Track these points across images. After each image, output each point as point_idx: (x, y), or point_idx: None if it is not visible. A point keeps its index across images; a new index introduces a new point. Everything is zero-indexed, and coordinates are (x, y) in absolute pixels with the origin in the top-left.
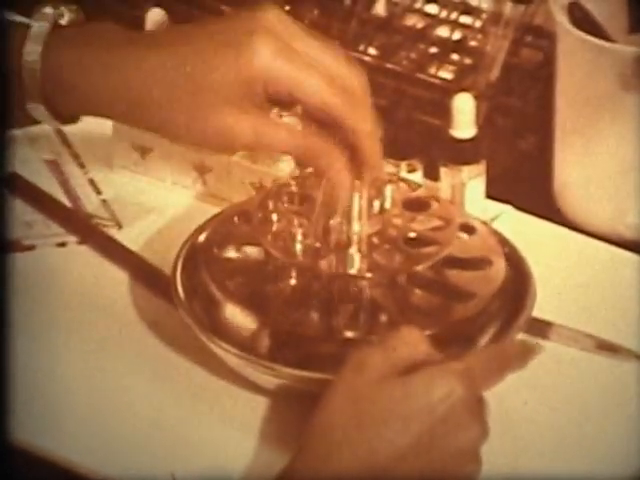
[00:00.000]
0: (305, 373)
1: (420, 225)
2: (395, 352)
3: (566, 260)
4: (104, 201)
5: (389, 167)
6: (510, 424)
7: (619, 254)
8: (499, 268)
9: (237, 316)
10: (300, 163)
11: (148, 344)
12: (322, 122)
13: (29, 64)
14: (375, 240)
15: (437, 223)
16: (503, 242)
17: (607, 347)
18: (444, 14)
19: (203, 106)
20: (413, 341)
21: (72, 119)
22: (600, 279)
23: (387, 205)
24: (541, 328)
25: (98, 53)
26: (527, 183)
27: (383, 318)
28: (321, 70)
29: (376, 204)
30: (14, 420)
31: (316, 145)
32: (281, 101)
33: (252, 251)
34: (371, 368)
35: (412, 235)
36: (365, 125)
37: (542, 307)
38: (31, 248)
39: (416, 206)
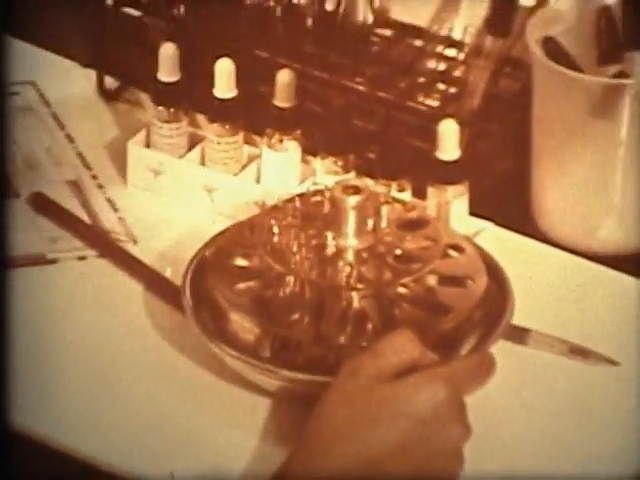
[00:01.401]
0: (303, 376)
1: (410, 244)
2: (384, 357)
3: (542, 272)
4: (120, 218)
5: (381, 187)
6: (493, 425)
7: (590, 267)
8: (481, 283)
9: (241, 323)
10: None
11: (159, 348)
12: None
13: None
14: (365, 255)
15: (425, 243)
16: (487, 258)
17: (580, 352)
18: (431, 47)
19: None
20: (401, 346)
21: None
22: (573, 290)
23: (383, 224)
24: (520, 335)
25: None
26: (507, 201)
27: (370, 327)
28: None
29: (370, 222)
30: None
31: None
32: None
33: (255, 263)
34: (363, 373)
35: (399, 252)
36: None
37: (520, 315)
38: (55, 261)
39: (408, 226)
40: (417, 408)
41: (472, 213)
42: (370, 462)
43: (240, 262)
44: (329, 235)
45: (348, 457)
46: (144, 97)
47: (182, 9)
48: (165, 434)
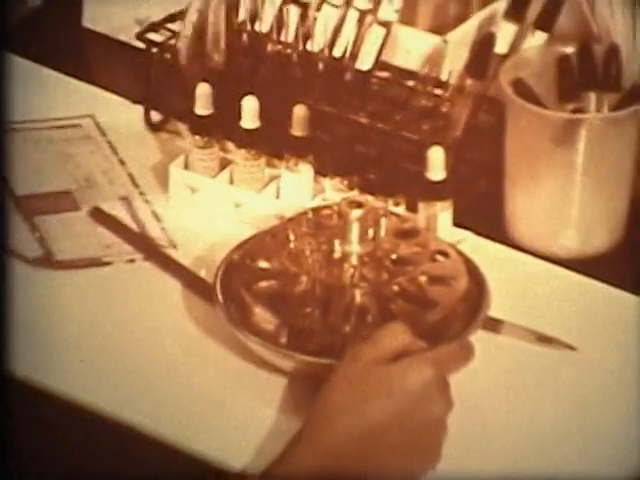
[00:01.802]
0: (313, 359)
1: (404, 249)
2: (381, 344)
3: (513, 273)
4: (163, 228)
5: (379, 202)
6: (473, 401)
7: (554, 269)
8: (463, 282)
9: (262, 315)
10: None
11: (193, 335)
12: None
13: None
14: (366, 259)
15: (416, 249)
16: (468, 262)
17: (545, 339)
18: (421, 87)
19: None
20: (394, 335)
21: None
22: (538, 287)
23: (381, 233)
24: (495, 325)
25: None
26: (484, 215)
27: (369, 319)
28: None
29: (370, 232)
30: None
31: None
32: None
33: (274, 265)
34: (363, 357)
35: (394, 257)
36: None
37: (495, 309)
38: (109, 263)
39: (403, 235)
40: (408, 386)
41: (455, 224)
42: (368, 432)
43: (262, 264)
44: (336, 242)
45: (350, 427)
46: (183, 128)
47: (215, 56)
48: (194, 405)
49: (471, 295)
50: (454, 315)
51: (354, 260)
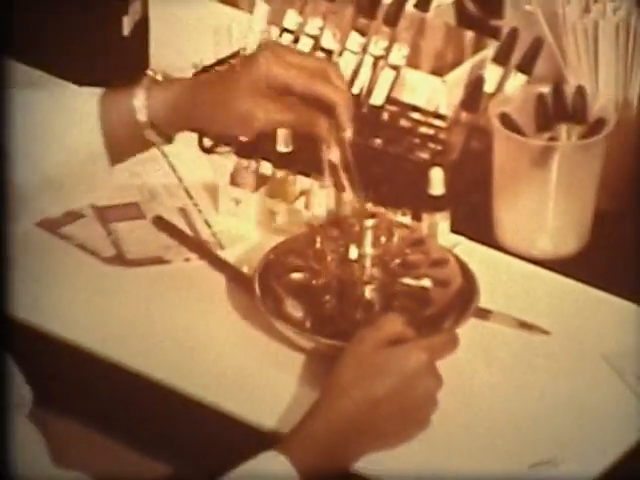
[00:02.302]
0: (329, 341)
1: (409, 255)
2: (380, 331)
3: (499, 271)
4: (213, 233)
5: (390, 213)
6: (465, 375)
7: (532, 268)
8: (457, 283)
9: (291, 304)
10: (298, 128)
11: (234, 320)
12: (311, 101)
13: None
14: (376, 261)
15: (420, 255)
16: (463, 266)
17: (525, 325)
18: (424, 119)
19: (232, 99)
20: (393, 324)
21: (171, 139)
22: (521, 283)
23: (391, 240)
24: (484, 314)
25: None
26: (476, 223)
27: (375, 310)
28: (305, 68)
29: (382, 238)
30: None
31: (308, 115)
32: (280, 90)
33: (302, 263)
34: (366, 341)
35: (400, 261)
36: (339, 95)
37: (485, 301)
38: (169, 262)
39: (409, 243)
40: (404, 367)
41: (452, 230)
42: (372, 404)
43: (292, 263)
44: (352, 246)
45: (357, 400)
46: (229, 151)
47: None
48: (233, 375)
49: (463, 293)
50: (448, 310)
51: (366, 262)
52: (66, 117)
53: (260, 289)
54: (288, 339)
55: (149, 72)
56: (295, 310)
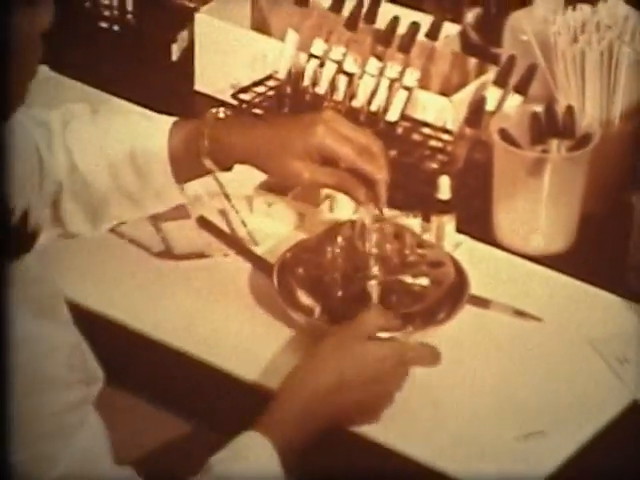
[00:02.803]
0: (333, 327)
1: (410, 256)
2: (362, 325)
3: (498, 266)
4: (249, 232)
5: (402, 216)
6: (466, 354)
7: (526, 263)
8: (448, 282)
9: (303, 296)
10: (338, 191)
11: (254, 307)
12: (354, 172)
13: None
14: (380, 260)
15: (419, 257)
16: (457, 266)
17: (519, 313)
18: (433, 133)
19: (285, 156)
20: (373, 318)
21: (229, 169)
22: (516, 276)
23: (397, 243)
24: (484, 303)
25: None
26: (477, 223)
27: (372, 303)
28: (355, 143)
29: (388, 241)
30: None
31: (350, 184)
32: (329, 159)
33: (317, 259)
34: (348, 332)
35: (403, 260)
36: (381, 174)
37: (485, 291)
38: (210, 256)
39: (412, 245)
40: (373, 360)
41: (457, 230)
42: (339, 386)
43: (306, 258)
44: (360, 244)
45: (333, 374)
46: None
47: (285, 109)
48: (251, 345)
49: (456, 289)
50: (440, 305)
51: (372, 260)
52: (142, 140)
53: (278, 281)
54: (297, 323)
55: (213, 110)
56: (305, 299)
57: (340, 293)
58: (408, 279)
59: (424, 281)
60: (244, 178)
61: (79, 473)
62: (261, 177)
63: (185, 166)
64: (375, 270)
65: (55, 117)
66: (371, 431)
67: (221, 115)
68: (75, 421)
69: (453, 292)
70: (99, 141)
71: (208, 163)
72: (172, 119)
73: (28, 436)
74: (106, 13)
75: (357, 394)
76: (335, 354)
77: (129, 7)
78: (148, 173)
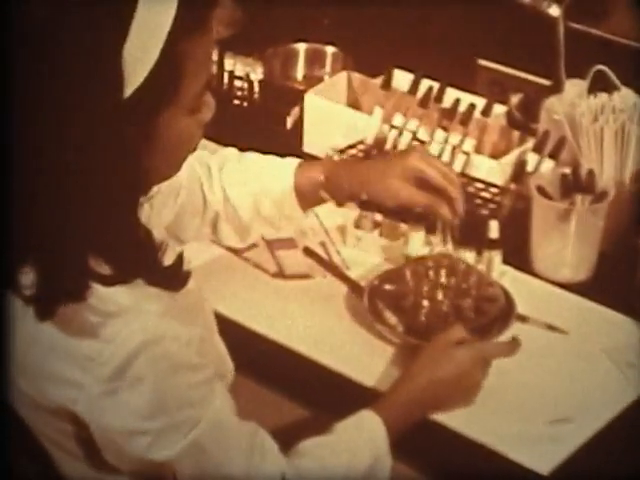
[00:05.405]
0: (414, 340)
1: (472, 289)
2: (450, 336)
3: (535, 291)
4: (343, 259)
5: (462, 251)
6: (507, 365)
7: (557, 290)
8: (499, 306)
9: (388, 314)
10: (428, 209)
11: (349, 323)
12: (440, 192)
13: None
14: (450, 288)
15: (477, 289)
16: (505, 291)
17: (552, 327)
18: (485, 187)
19: (387, 177)
20: (459, 332)
21: (342, 204)
22: (550, 298)
23: (460, 277)
24: (524, 319)
25: None
26: (519, 257)
27: (451, 319)
28: (440, 171)
29: (454, 275)
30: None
31: (438, 203)
32: (421, 180)
33: (396, 286)
34: (440, 342)
35: (464, 286)
36: (458, 194)
37: (525, 310)
38: (312, 277)
39: (470, 276)
40: (463, 362)
41: (503, 262)
42: (436, 383)
43: (389, 286)
44: (432, 274)
45: (427, 379)
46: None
47: None
48: (347, 354)
49: (505, 310)
50: (494, 321)
51: (443, 288)
52: (276, 176)
53: (368, 302)
54: (386, 337)
55: (329, 152)
56: (390, 317)
57: (419, 313)
58: (471, 302)
59: (482, 304)
60: (340, 217)
61: (213, 432)
62: (353, 217)
63: (307, 197)
64: (446, 295)
65: (214, 162)
66: (443, 419)
67: (335, 157)
68: (202, 395)
69: (503, 311)
70: (244, 178)
71: (324, 195)
72: (298, 160)
73: (166, 406)
74: (239, 93)
75: (452, 388)
76: (432, 359)
77: (256, 89)
78: (281, 202)
